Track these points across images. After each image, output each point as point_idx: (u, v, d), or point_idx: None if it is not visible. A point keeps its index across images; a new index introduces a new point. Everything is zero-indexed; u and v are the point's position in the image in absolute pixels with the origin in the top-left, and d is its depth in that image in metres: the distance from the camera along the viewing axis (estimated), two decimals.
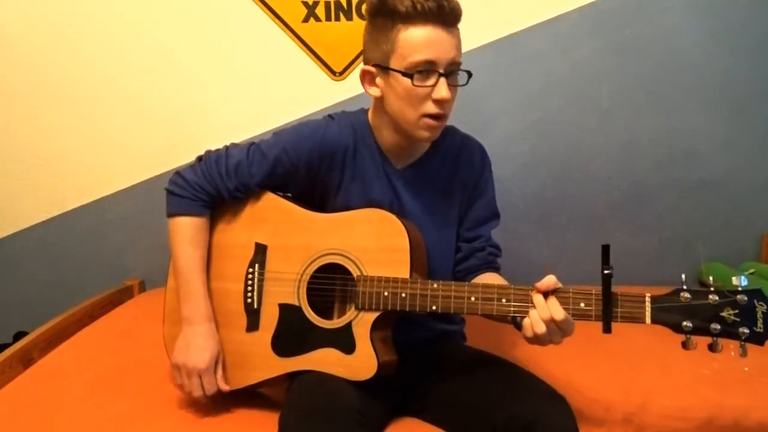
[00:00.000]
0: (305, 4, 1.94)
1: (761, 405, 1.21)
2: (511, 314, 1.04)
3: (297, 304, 1.17)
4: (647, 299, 0.98)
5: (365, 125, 1.23)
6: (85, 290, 1.84)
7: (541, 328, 0.99)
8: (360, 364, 1.10)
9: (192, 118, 1.97)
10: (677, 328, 0.97)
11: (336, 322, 1.13)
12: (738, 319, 0.95)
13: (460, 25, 1.11)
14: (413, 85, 1.08)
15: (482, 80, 1.98)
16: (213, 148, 1.26)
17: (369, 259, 1.13)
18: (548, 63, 1.98)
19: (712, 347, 0.96)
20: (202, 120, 1.97)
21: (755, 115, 2.01)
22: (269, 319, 1.19)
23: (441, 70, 1.08)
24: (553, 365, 1.31)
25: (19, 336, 1.79)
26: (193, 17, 1.94)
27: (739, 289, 0.96)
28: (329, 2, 1.93)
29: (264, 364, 1.17)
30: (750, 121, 2.01)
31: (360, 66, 1.19)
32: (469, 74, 1.13)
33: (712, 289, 0.97)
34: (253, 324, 1.20)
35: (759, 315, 0.94)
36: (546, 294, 1.01)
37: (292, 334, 1.16)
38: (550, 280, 1.01)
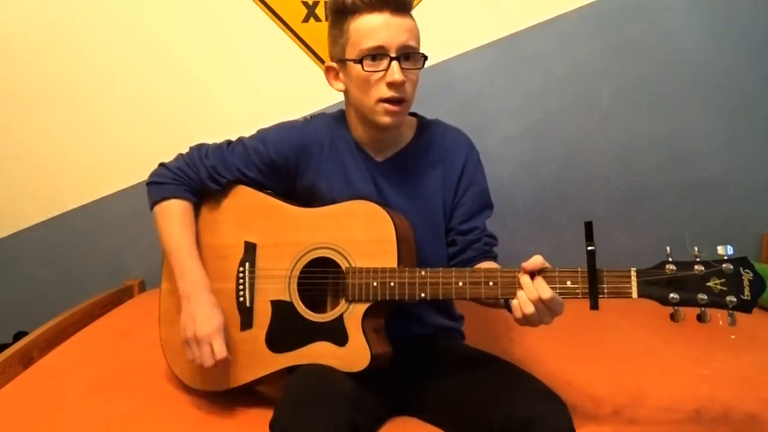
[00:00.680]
0: (305, 4, 1.94)
1: (755, 398, 1.21)
2: (499, 296, 1.05)
3: (289, 300, 1.17)
4: (633, 273, 0.97)
5: (342, 122, 1.26)
6: (85, 290, 1.84)
7: (530, 309, 0.99)
8: (353, 355, 1.10)
9: (192, 118, 1.97)
10: (664, 301, 0.96)
11: (328, 316, 1.14)
12: (725, 288, 0.94)
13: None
14: (364, 70, 1.12)
15: (482, 80, 1.99)
16: None
17: (357, 251, 1.13)
18: (548, 63, 1.98)
19: (700, 318, 0.95)
20: (202, 120, 1.97)
21: (755, 115, 2.01)
22: (262, 316, 1.19)
23: (392, 54, 1.11)
24: (550, 363, 1.31)
25: (19, 336, 1.79)
26: (193, 18, 1.94)
27: (725, 258, 0.95)
28: (329, 2, 1.93)
29: (259, 361, 1.18)
30: (750, 121, 2.01)
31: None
32: (425, 57, 1.15)
33: (697, 259, 0.96)
34: (246, 322, 1.21)
35: (746, 283, 0.94)
36: (533, 274, 1.01)
37: (286, 330, 1.17)
38: (536, 260, 1.02)
